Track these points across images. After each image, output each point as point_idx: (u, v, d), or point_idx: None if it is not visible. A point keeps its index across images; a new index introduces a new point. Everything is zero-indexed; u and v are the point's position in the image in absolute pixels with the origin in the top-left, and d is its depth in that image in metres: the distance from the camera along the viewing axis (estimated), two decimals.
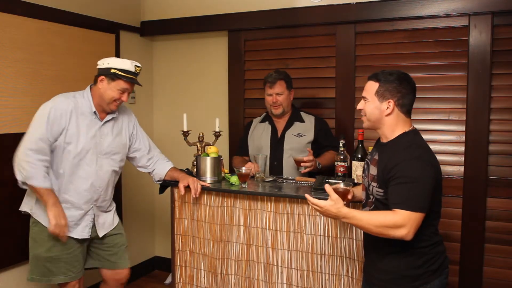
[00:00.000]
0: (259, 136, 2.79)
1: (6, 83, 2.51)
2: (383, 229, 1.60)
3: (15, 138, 2.56)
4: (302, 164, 2.47)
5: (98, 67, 2.30)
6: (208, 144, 2.64)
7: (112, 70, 2.24)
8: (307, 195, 1.77)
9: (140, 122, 2.53)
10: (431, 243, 1.71)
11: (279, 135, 2.73)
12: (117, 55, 3.31)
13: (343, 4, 2.90)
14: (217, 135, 2.70)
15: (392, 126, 1.74)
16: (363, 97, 1.80)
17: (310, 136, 2.67)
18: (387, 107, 1.71)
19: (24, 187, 2.22)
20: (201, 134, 2.68)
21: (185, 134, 2.69)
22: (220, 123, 2.75)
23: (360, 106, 1.81)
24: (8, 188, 2.54)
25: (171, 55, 3.64)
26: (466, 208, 2.69)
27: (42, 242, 2.24)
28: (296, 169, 2.57)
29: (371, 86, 1.76)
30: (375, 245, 1.79)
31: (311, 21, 3.00)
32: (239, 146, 2.95)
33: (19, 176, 2.18)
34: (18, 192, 2.59)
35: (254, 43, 3.27)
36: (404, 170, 1.61)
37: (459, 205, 2.71)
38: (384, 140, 1.78)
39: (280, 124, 2.76)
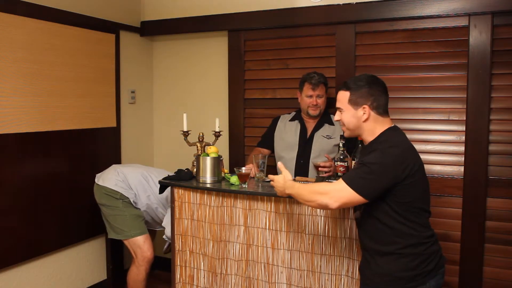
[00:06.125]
0: (289, 134, 2.79)
1: (6, 83, 2.50)
2: (314, 195, 1.68)
3: (15, 138, 2.57)
4: (320, 168, 2.53)
5: None
6: (208, 144, 2.64)
7: None
8: (270, 176, 1.98)
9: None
10: (422, 242, 1.69)
11: (308, 135, 2.75)
12: (117, 55, 3.31)
13: (343, 4, 2.90)
14: (217, 135, 2.70)
15: (372, 130, 1.77)
16: (338, 108, 1.82)
17: (338, 139, 2.65)
18: (363, 113, 1.75)
19: None
20: (201, 134, 2.68)
21: (185, 134, 2.69)
22: (220, 123, 2.75)
23: (337, 117, 1.84)
24: (8, 188, 2.53)
25: (171, 55, 3.64)
26: (466, 208, 2.68)
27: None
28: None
29: (343, 96, 1.79)
30: (368, 245, 1.79)
31: (311, 21, 3.00)
32: (261, 138, 2.95)
33: None
34: (17, 191, 2.60)
35: (254, 43, 3.26)
36: (367, 158, 1.67)
37: (459, 205, 2.70)
38: (366, 143, 1.82)
39: (310, 125, 2.77)
